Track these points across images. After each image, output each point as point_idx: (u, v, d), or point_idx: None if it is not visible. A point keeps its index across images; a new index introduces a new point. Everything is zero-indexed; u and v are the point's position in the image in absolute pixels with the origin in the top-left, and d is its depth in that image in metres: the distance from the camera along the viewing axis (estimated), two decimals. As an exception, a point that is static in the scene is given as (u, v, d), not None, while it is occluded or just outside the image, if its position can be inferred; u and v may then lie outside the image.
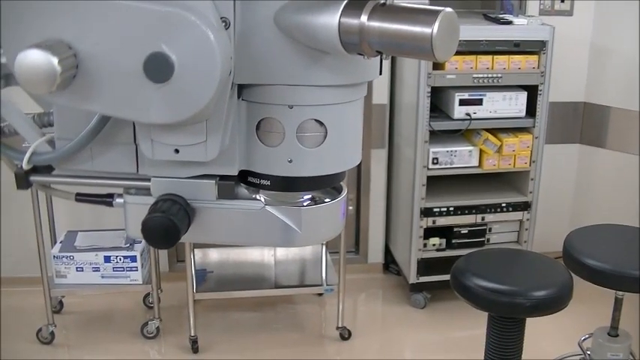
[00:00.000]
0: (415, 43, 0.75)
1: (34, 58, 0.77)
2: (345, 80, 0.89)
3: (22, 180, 0.98)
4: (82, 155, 0.95)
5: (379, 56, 0.84)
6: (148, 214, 0.91)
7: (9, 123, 1.01)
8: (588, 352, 3.61)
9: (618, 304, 3.52)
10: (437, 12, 0.75)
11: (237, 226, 0.96)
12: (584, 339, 3.69)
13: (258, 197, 0.96)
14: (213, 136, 0.88)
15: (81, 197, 1.05)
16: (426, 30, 0.74)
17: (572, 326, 3.87)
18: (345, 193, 0.98)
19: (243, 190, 0.96)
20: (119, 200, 1.00)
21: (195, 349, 4.08)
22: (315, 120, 0.90)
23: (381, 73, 0.92)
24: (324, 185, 0.96)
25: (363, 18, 0.79)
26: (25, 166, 0.97)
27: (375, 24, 0.78)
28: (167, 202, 0.92)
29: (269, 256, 4.59)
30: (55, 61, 0.77)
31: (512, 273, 3.22)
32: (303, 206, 0.95)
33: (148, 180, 0.96)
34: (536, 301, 2.97)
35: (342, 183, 0.99)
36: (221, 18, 0.83)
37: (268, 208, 0.93)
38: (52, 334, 4.10)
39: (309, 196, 0.97)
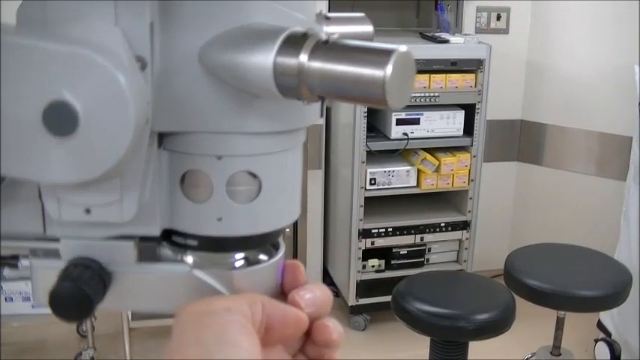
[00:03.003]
0: (364, 87, 0.63)
1: None
2: (281, 126, 0.76)
3: None
4: None
5: (320, 101, 0.72)
6: (56, 281, 0.78)
7: None
8: (531, 372, 3.59)
9: (560, 323, 3.51)
10: (390, 52, 0.62)
11: (161, 293, 0.82)
12: (527, 359, 3.67)
13: (185, 258, 0.83)
14: (130, 193, 0.75)
15: None
16: (377, 73, 0.61)
17: (515, 346, 3.83)
18: (282, 250, 0.84)
19: (167, 250, 0.84)
20: (25, 262, 0.86)
21: (130, 380, 3.94)
22: (248, 172, 0.78)
23: (322, 115, 0.80)
24: (259, 244, 0.82)
25: (303, 57, 0.66)
26: None
27: (317, 64, 0.65)
28: (78, 267, 0.78)
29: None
30: None
31: (454, 296, 3.17)
32: (235, 268, 0.82)
33: (58, 240, 0.82)
34: (479, 324, 2.93)
35: (279, 239, 0.87)
36: (136, 57, 0.70)
37: (196, 272, 0.80)
38: (-16, 367, 3.94)
39: (242, 254, 0.84)
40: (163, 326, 4.19)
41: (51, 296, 0.77)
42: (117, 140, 0.66)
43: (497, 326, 2.99)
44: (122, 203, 0.74)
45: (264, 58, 0.66)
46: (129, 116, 0.65)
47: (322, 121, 4.58)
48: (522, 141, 5.01)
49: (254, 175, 0.76)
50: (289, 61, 0.66)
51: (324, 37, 0.66)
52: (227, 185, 0.76)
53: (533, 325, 3.86)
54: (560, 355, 3.53)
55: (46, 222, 0.80)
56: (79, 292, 0.75)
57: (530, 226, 5.06)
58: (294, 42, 0.66)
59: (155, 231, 0.79)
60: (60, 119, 0.65)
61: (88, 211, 0.75)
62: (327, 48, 0.65)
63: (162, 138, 0.76)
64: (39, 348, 4.26)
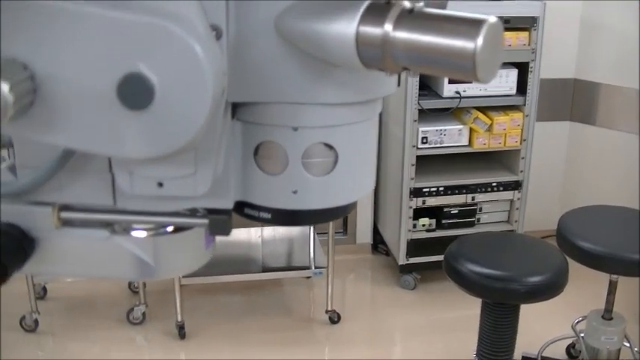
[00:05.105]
0: (452, 59, 0.59)
1: None
2: (359, 97, 0.73)
3: None
4: (49, 185, 0.80)
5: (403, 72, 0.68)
6: None
7: None
8: (582, 335, 3.54)
9: (613, 287, 3.46)
10: (480, 22, 0.58)
11: (84, 258, 0.80)
12: (578, 322, 3.63)
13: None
14: (204, 166, 0.72)
15: None
16: (467, 45, 0.58)
17: (566, 309, 3.80)
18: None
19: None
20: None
21: (182, 335, 3.98)
22: (324, 144, 0.75)
23: (399, 85, 0.76)
24: (334, 217, 0.80)
25: (388, 27, 0.62)
26: None
27: (403, 34, 0.62)
28: None
29: (256, 237, 4.49)
30: (6, 88, 0.61)
31: (507, 258, 3.13)
32: (159, 234, 0.79)
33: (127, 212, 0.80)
34: (531, 286, 2.90)
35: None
36: (211, 26, 0.67)
37: (116, 238, 0.78)
38: (36, 321, 4.00)
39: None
40: (214, 283, 4.23)
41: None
42: (194, 113, 0.64)
43: (549, 289, 2.95)
44: (196, 176, 0.72)
45: (346, 27, 0.63)
46: (206, 88, 0.63)
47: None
48: (575, 100, 4.91)
49: (330, 147, 0.75)
50: (373, 30, 0.62)
51: (407, 5, 0.63)
52: (303, 157, 0.73)
53: (584, 288, 3.83)
54: (611, 319, 3.47)
55: (116, 195, 0.78)
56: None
57: (582, 186, 4.99)
58: (378, 10, 0.63)
59: (228, 204, 0.77)
60: (135, 92, 0.62)
61: (160, 184, 0.73)
62: (413, 17, 0.62)
63: (235, 108, 0.74)
64: (91, 304, 4.31)
